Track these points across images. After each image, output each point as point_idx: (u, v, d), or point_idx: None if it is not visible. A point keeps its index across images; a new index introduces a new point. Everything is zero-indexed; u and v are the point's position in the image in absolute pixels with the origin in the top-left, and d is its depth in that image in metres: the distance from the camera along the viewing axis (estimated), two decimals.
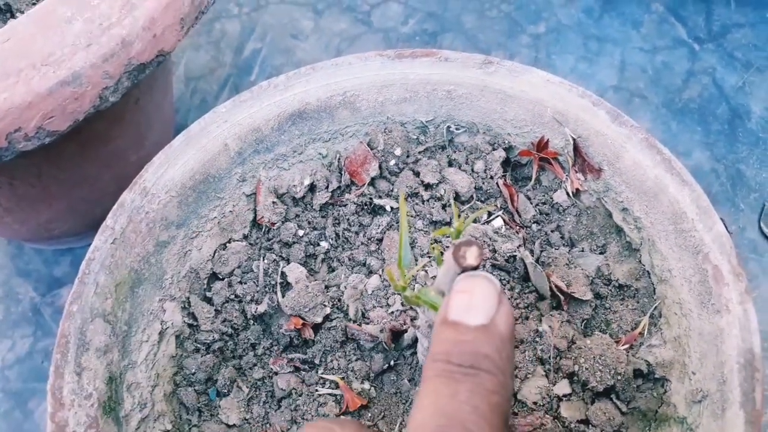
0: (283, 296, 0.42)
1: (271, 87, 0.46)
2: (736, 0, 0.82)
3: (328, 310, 0.42)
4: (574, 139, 0.44)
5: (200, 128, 0.44)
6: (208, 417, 0.40)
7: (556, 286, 0.41)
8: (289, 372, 0.42)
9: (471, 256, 0.28)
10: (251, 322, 0.43)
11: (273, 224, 0.45)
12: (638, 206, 0.43)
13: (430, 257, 0.43)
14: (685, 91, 0.75)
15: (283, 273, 0.43)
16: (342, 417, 0.37)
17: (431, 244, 0.43)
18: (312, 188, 0.47)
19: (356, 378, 0.40)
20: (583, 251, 0.44)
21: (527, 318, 0.41)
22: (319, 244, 0.46)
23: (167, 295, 0.42)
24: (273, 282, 0.44)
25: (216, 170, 0.44)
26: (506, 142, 0.46)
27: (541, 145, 0.45)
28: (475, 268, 0.27)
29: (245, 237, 0.45)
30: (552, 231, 0.45)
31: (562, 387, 0.39)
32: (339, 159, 0.47)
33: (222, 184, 0.45)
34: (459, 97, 0.47)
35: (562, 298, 0.41)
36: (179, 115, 0.71)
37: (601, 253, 0.44)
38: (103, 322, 0.38)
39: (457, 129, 0.47)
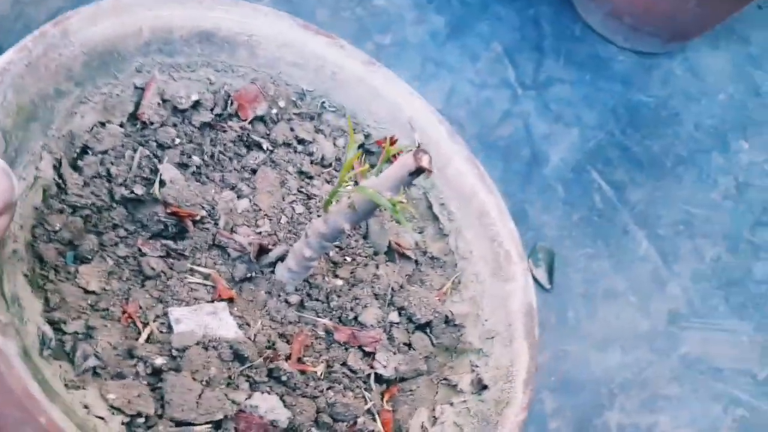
0: (154, 191, 0.47)
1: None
2: (566, 58, 0.90)
3: (204, 212, 0.48)
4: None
5: (129, 2, 0.48)
6: (64, 278, 0.43)
7: (396, 243, 0.54)
8: (159, 256, 0.46)
9: (425, 160, 0.37)
10: (115, 204, 0.47)
11: (152, 123, 0.49)
12: (454, 204, 0.56)
13: (298, 193, 0.53)
14: (498, 129, 0.83)
15: (156, 170, 0.48)
16: None
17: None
18: (195, 106, 0.52)
19: (222, 273, 0.47)
20: (406, 230, 0.57)
21: (366, 265, 0.52)
22: (191, 157, 0.51)
23: (47, 145, 0.44)
24: (145, 174, 0.48)
25: (123, 49, 0.48)
26: (365, 130, 0.57)
27: (392, 141, 0.55)
28: (423, 171, 0.37)
29: (121, 125, 0.49)
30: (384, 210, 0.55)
31: (393, 316, 0.50)
32: (224, 91, 0.53)
33: (122, 66, 0.48)
34: (340, 80, 0.56)
35: (396, 254, 0.54)
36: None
37: (419, 233, 0.56)
38: (0, 136, 0.39)
39: (329, 107, 0.57)
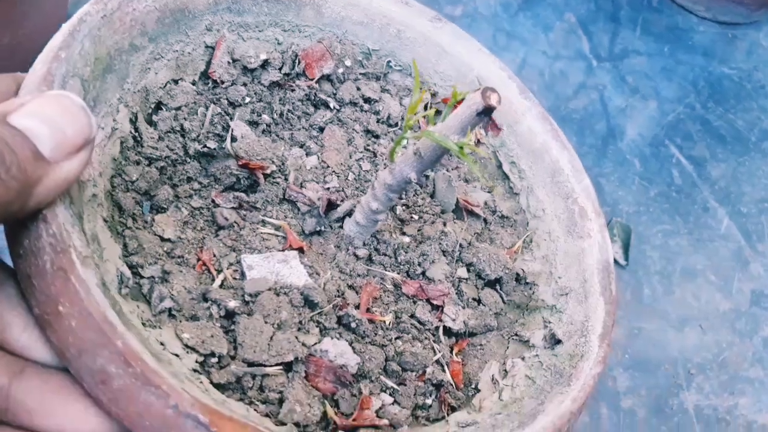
0: (232, 143, 0.48)
1: None
2: (643, 28, 0.86)
3: (274, 167, 0.49)
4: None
5: None
6: (141, 226, 0.44)
7: (464, 200, 0.53)
8: (231, 208, 0.47)
9: (494, 98, 0.36)
10: (189, 158, 0.48)
11: (222, 82, 0.50)
12: (525, 162, 0.54)
13: (365, 151, 0.53)
14: (572, 101, 0.80)
15: (227, 127, 0.49)
16: None
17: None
18: (264, 65, 0.52)
19: (293, 226, 0.48)
20: (475, 188, 0.55)
21: (434, 222, 0.52)
22: (261, 116, 0.51)
23: (123, 98, 0.45)
24: (217, 131, 0.49)
25: (194, 7, 0.48)
26: (432, 89, 0.56)
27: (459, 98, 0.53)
28: (492, 110, 0.36)
29: (193, 83, 0.50)
30: (452, 168, 0.56)
31: (462, 272, 0.49)
32: (292, 51, 0.53)
33: (192, 23, 0.49)
34: (406, 39, 0.56)
35: (464, 212, 0.53)
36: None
37: (489, 192, 0.55)
38: (79, 84, 0.40)
39: (396, 66, 0.56)
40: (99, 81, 0.42)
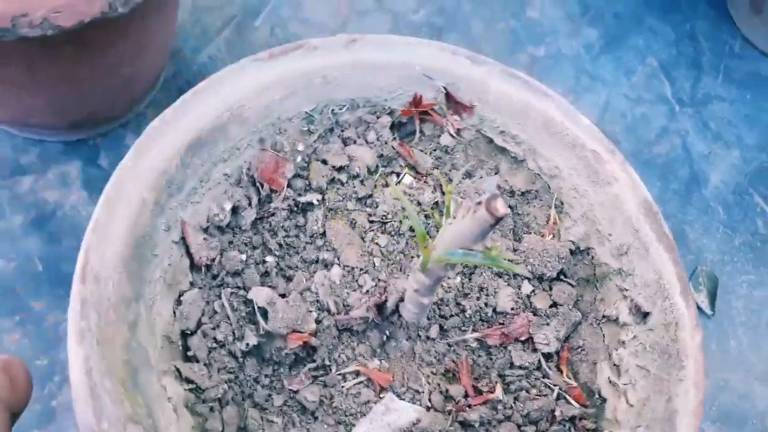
0: (266, 322, 0.43)
1: (163, 125, 0.44)
2: (725, 75, 0.86)
3: (315, 314, 0.45)
4: (444, 88, 0.51)
5: (115, 191, 0.41)
6: None
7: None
8: (310, 384, 0.44)
9: (501, 207, 0.33)
10: (243, 359, 0.44)
11: (212, 260, 0.45)
12: (513, 126, 0.51)
13: (370, 224, 0.50)
14: (655, 146, 0.80)
15: (249, 301, 0.45)
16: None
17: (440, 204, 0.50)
18: (234, 211, 0.47)
19: (366, 360, 0.45)
20: (481, 178, 0.52)
21: None
22: (265, 261, 0.47)
23: (160, 371, 0.41)
24: (244, 313, 0.45)
25: (143, 229, 0.42)
26: (386, 107, 0.52)
27: (417, 102, 0.51)
28: (502, 218, 0.33)
29: (191, 284, 0.45)
30: (450, 170, 0.53)
31: (526, 287, 0.47)
32: (246, 173, 0.48)
33: (153, 241, 0.43)
34: (334, 79, 0.50)
35: None
36: (178, 41, 0.72)
37: (495, 173, 0.52)
38: (134, 426, 0.36)
39: (339, 109, 0.51)
40: (137, 394, 0.38)
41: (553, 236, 0.48)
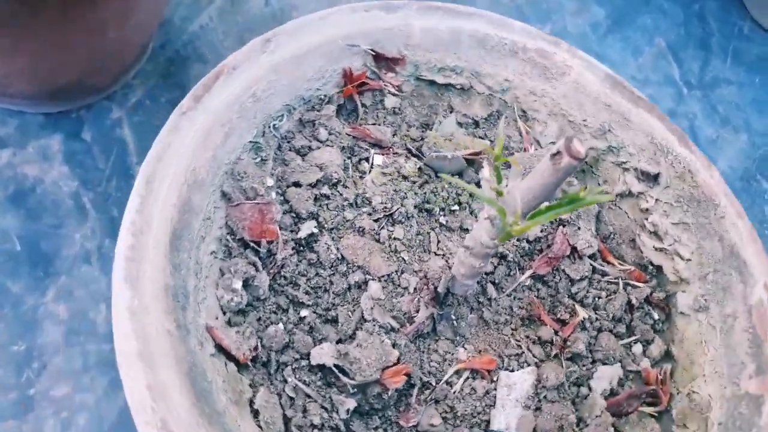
0: (352, 377, 0.39)
1: (137, 237, 0.38)
2: (734, 57, 0.83)
3: (387, 339, 0.41)
4: (371, 50, 0.48)
5: (136, 330, 0.35)
6: None
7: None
8: (423, 407, 0.41)
9: (579, 146, 0.30)
10: (348, 427, 0.40)
11: (255, 349, 0.41)
12: (448, 58, 0.49)
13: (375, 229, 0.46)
14: None
15: (316, 367, 0.41)
16: None
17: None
18: (246, 285, 0.42)
19: (454, 355, 0.42)
20: (440, 123, 0.49)
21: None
22: (303, 317, 0.42)
23: None
24: (321, 382, 0.40)
25: (187, 363, 0.37)
26: (322, 96, 0.49)
27: (348, 77, 0.48)
28: (583, 158, 0.30)
29: (252, 385, 0.40)
30: (408, 128, 0.50)
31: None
32: (231, 240, 0.43)
33: (201, 369, 0.37)
34: (263, 93, 0.46)
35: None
36: (168, 9, 0.68)
37: (451, 112, 0.50)
38: None
39: (279, 121, 0.47)
40: None
41: (535, 147, 0.48)
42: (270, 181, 0.45)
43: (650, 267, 0.46)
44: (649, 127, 0.45)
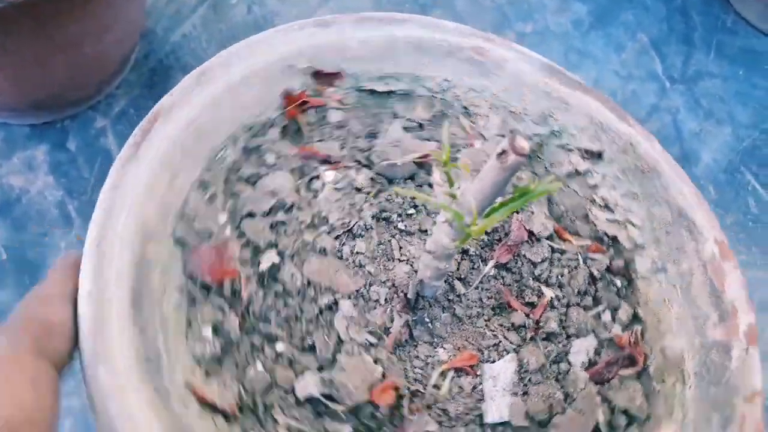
0: (342, 402, 0.39)
1: (102, 317, 0.37)
2: (717, 51, 0.83)
3: (368, 356, 0.40)
4: (310, 68, 0.48)
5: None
6: None
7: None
8: (416, 416, 0.40)
9: (523, 141, 0.31)
10: None
11: (239, 396, 0.39)
12: (386, 66, 0.48)
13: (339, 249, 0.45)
14: (646, 124, 0.77)
15: (304, 401, 0.39)
16: None
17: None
18: (215, 330, 0.40)
19: (435, 357, 0.43)
20: (387, 131, 0.49)
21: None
22: (280, 353, 0.41)
23: None
24: (312, 414, 0.39)
25: None
26: (266, 121, 0.46)
27: (288, 99, 0.47)
28: (526, 154, 0.31)
29: None
30: (356, 140, 0.49)
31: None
32: (192, 287, 0.41)
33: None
34: (203, 127, 0.43)
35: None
36: (150, 20, 0.69)
37: (395, 118, 0.49)
38: None
39: (223, 152, 0.44)
40: None
41: (480, 141, 0.49)
42: (223, 218, 0.43)
43: (606, 238, 0.47)
44: (587, 107, 0.47)
